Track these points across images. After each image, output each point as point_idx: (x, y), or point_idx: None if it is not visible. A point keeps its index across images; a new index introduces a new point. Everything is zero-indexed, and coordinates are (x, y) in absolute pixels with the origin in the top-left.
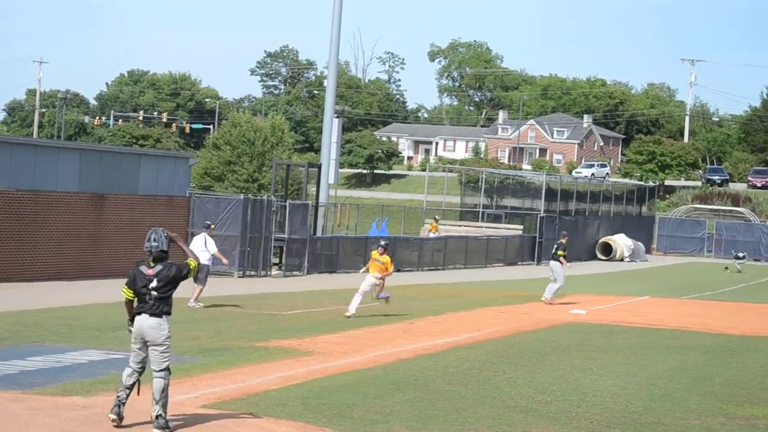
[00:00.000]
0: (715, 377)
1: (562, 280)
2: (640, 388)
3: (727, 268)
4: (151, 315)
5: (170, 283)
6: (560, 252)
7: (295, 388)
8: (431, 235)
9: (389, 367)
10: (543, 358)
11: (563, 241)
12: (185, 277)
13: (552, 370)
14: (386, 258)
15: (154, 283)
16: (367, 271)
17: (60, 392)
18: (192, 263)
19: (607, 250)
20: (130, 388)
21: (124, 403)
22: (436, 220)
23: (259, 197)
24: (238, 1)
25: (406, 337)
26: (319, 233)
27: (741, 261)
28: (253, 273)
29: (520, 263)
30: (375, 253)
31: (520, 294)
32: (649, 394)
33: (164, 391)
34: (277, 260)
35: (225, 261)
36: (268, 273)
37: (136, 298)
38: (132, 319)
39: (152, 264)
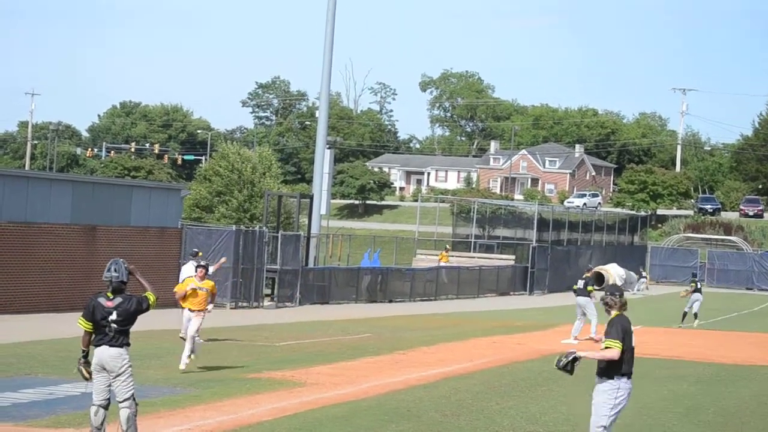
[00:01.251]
0: (709, 407)
1: (596, 314)
2: (632, 419)
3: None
4: (111, 346)
5: (131, 317)
6: (590, 288)
7: (288, 420)
8: (442, 264)
9: (382, 398)
10: (535, 388)
11: (589, 274)
12: (145, 311)
13: (544, 401)
14: (209, 283)
15: (114, 316)
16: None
17: (53, 424)
18: (151, 297)
19: (600, 279)
20: (100, 427)
21: None
22: (447, 250)
23: (251, 228)
24: (229, 33)
25: (398, 368)
26: (311, 264)
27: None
28: (245, 304)
29: (512, 293)
30: (191, 280)
31: (512, 324)
32: (642, 425)
33: (130, 420)
34: (269, 291)
35: (223, 260)
36: (261, 304)
37: (93, 330)
38: (85, 354)
39: (110, 296)
